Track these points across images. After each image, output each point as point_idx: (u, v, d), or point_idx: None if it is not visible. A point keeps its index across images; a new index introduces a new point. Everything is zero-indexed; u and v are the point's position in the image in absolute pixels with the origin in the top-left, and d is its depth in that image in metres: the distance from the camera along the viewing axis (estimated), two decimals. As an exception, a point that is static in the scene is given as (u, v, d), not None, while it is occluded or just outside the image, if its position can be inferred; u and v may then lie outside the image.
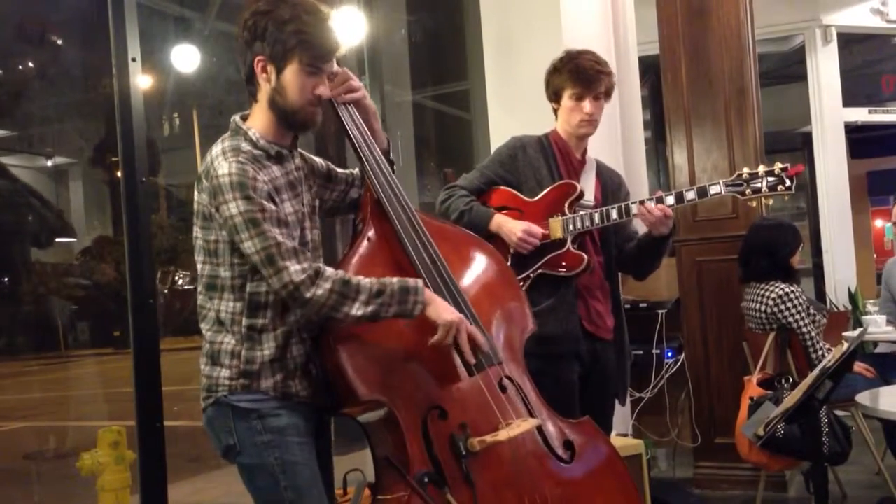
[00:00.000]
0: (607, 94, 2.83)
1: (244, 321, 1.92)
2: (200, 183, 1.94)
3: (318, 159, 2.18)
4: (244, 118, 2.02)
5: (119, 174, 2.59)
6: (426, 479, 1.86)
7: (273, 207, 1.89)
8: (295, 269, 1.83)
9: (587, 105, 2.76)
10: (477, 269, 2.28)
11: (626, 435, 4.13)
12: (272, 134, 1.99)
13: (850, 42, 7.52)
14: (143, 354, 2.53)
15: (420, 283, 1.95)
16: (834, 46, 7.05)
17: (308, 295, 1.83)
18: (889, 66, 7.98)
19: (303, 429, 1.97)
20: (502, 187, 2.84)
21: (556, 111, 2.87)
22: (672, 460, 4.72)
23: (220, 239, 1.92)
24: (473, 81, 4.85)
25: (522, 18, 4.24)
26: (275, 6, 1.92)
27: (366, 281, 1.89)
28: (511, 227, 2.69)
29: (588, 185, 2.84)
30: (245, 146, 1.94)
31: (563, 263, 2.72)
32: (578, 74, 2.75)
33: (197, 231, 1.97)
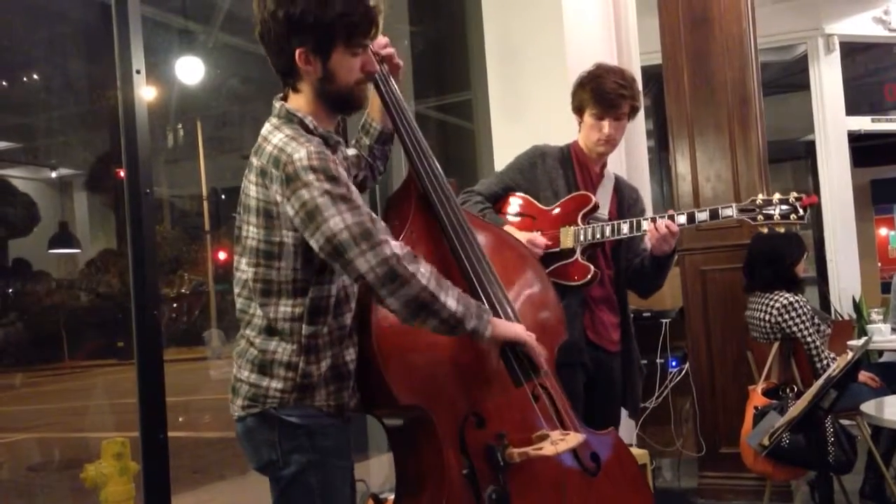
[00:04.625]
0: (632, 113, 2.82)
1: (304, 329, 1.79)
2: (265, 175, 1.76)
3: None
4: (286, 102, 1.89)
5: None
6: (494, 497, 1.78)
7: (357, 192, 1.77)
8: (395, 244, 1.72)
9: (606, 126, 2.77)
10: (519, 272, 2.27)
11: (630, 445, 4.12)
12: (322, 121, 1.88)
13: (853, 51, 7.53)
14: (146, 365, 2.52)
15: (488, 307, 1.89)
16: (836, 55, 7.07)
17: (412, 269, 1.71)
18: (891, 75, 7.98)
19: (345, 451, 1.89)
20: (519, 194, 2.86)
21: (579, 123, 2.88)
22: (677, 470, 4.70)
23: (284, 241, 1.77)
24: (476, 91, 4.85)
25: (525, 28, 4.24)
26: None
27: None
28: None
29: (604, 199, 2.85)
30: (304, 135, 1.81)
31: (569, 273, 2.73)
32: (600, 96, 2.76)
33: (252, 231, 1.81)
